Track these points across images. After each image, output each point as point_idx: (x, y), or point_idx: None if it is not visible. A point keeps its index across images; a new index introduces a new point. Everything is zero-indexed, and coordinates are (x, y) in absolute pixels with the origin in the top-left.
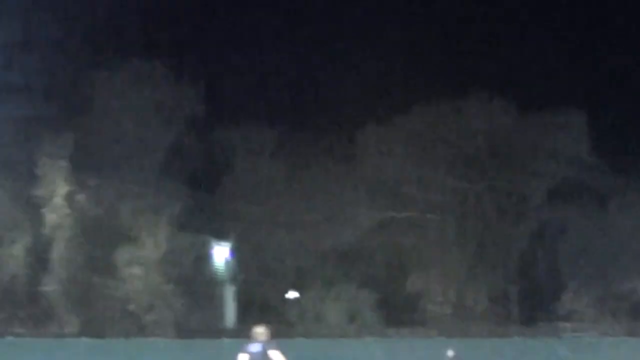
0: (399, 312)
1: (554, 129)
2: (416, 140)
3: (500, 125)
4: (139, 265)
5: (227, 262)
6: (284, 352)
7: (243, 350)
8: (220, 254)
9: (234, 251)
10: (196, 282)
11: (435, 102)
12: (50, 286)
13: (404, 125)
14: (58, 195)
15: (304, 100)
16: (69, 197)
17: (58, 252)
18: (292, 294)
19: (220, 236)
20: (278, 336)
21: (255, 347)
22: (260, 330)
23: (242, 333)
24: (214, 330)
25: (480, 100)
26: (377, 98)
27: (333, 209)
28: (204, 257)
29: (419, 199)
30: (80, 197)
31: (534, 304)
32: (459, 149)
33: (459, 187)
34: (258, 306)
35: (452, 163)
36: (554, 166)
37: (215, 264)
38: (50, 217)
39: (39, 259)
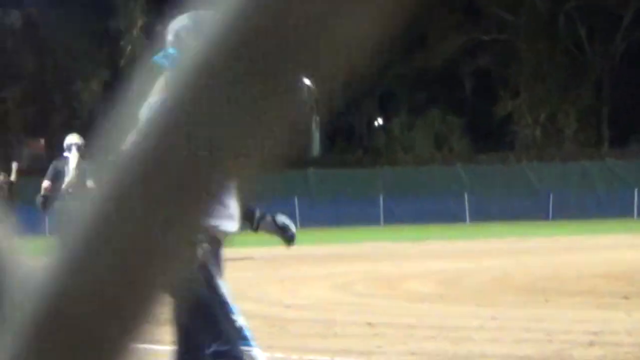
0: (488, 137)
1: None
2: None
3: None
4: None
5: (309, 89)
6: (372, 180)
7: None
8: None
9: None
10: None
11: None
12: None
13: None
14: (136, 27)
15: None
16: (147, 29)
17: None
18: (378, 121)
19: None
20: (365, 165)
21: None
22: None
23: (327, 163)
24: (299, 160)
25: None
26: None
27: (421, 32)
28: None
29: (508, 21)
30: (159, 29)
31: (624, 124)
32: None
33: (549, 7)
34: (344, 134)
35: None
36: None
37: None
38: (128, 49)
39: (117, 93)
